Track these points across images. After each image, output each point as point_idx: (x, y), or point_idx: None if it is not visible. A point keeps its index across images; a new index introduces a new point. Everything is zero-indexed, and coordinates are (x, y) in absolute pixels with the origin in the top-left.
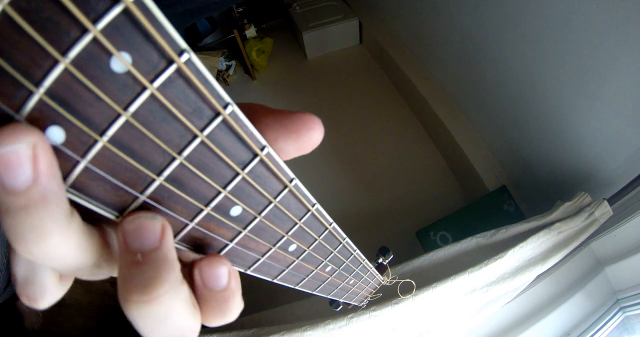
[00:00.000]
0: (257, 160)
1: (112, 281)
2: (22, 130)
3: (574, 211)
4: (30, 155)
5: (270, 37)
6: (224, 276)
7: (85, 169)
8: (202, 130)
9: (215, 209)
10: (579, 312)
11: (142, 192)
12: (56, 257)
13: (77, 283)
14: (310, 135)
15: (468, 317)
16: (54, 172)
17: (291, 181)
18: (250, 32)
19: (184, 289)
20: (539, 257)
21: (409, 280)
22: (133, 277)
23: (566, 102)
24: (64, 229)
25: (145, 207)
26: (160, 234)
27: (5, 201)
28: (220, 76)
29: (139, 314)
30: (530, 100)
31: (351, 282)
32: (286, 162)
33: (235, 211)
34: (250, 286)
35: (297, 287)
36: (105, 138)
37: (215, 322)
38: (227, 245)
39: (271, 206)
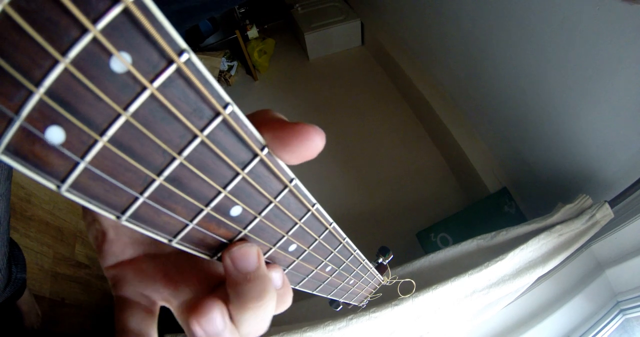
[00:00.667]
0: (257, 160)
1: None
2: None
3: (575, 213)
4: (257, 254)
5: (272, 37)
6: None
7: (85, 169)
8: (202, 130)
9: (215, 209)
10: (579, 315)
11: (142, 193)
12: (266, 317)
13: (77, 283)
14: (306, 147)
15: (468, 319)
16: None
17: (291, 180)
18: (252, 32)
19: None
20: (540, 260)
21: (409, 280)
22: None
23: (567, 104)
24: (273, 294)
25: (148, 208)
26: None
27: (239, 277)
28: (222, 77)
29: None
30: (531, 101)
31: (351, 282)
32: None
33: (235, 211)
34: None
35: (297, 287)
36: (105, 138)
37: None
38: (226, 245)
39: (271, 205)
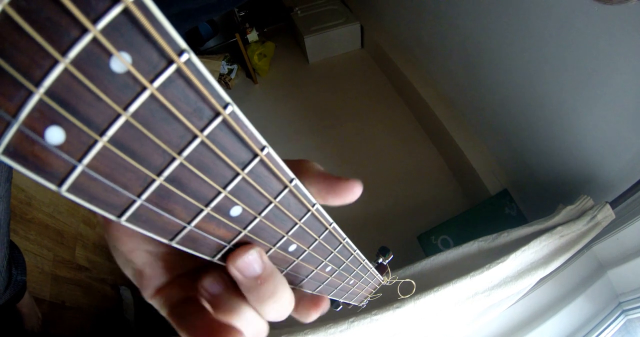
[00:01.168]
0: (257, 160)
1: (111, 284)
2: (252, 247)
3: (576, 214)
4: (260, 257)
5: (272, 41)
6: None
7: (85, 169)
8: (202, 130)
9: (215, 209)
10: (581, 316)
11: (142, 193)
12: (286, 305)
13: (77, 286)
14: (353, 196)
15: (470, 322)
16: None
17: (291, 181)
18: (252, 36)
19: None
20: (541, 261)
21: (409, 280)
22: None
23: (568, 105)
24: (285, 286)
25: (148, 208)
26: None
27: (251, 284)
28: (222, 80)
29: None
30: (531, 103)
31: (351, 282)
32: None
33: (235, 211)
34: None
35: (297, 288)
36: (105, 138)
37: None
38: (226, 246)
39: (271, 206)
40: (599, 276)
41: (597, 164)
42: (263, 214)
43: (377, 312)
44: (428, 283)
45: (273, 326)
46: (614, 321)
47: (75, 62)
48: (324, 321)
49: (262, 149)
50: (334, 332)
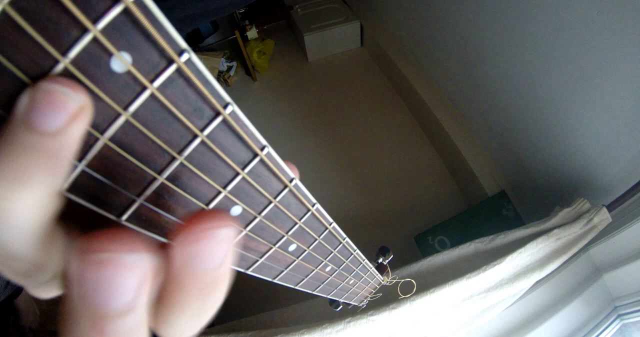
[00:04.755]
0: (257, 160)
1: None
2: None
3: (572, 217)
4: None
5: (271, 38)
6: (220, 252)
7: (85, 168)
8: (202, 130)
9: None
10: (576, 319)
11: (142, 193)
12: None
13: None
14: None
15: (465, 323)
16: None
17: (291, 180)
18: (252, 33)
19: None
20: (537, 264)
21: (409, 279)
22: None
23: (565, 107)
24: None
25: (148, 208)
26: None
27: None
28: (221, 77)
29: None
30: (529, 105)
31: (351, 282)
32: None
33: (236, 210)
34: (248, 287)
35: (297, 287)
36: (105, 138)
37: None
38: None
39: (271, 205)
40: (595, 280)
41: (595, 167)
42: (263, 213)
43: (373, 312)
44: (424, 284)
45: (269, 324)
46: (609, 325)
47: (75, 62)
48: (320, 321)
49: (262, 148)
50: (330, 332)
